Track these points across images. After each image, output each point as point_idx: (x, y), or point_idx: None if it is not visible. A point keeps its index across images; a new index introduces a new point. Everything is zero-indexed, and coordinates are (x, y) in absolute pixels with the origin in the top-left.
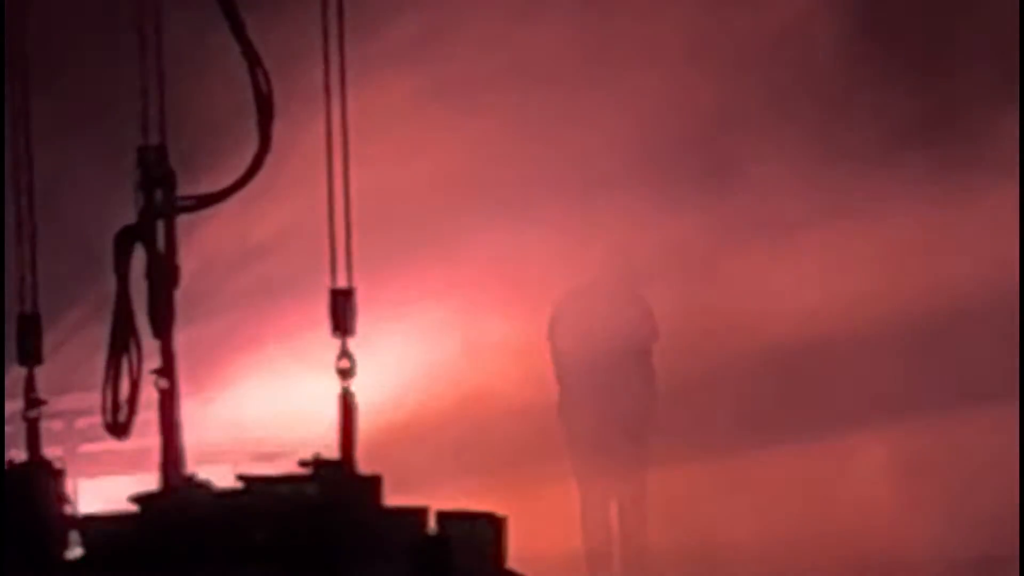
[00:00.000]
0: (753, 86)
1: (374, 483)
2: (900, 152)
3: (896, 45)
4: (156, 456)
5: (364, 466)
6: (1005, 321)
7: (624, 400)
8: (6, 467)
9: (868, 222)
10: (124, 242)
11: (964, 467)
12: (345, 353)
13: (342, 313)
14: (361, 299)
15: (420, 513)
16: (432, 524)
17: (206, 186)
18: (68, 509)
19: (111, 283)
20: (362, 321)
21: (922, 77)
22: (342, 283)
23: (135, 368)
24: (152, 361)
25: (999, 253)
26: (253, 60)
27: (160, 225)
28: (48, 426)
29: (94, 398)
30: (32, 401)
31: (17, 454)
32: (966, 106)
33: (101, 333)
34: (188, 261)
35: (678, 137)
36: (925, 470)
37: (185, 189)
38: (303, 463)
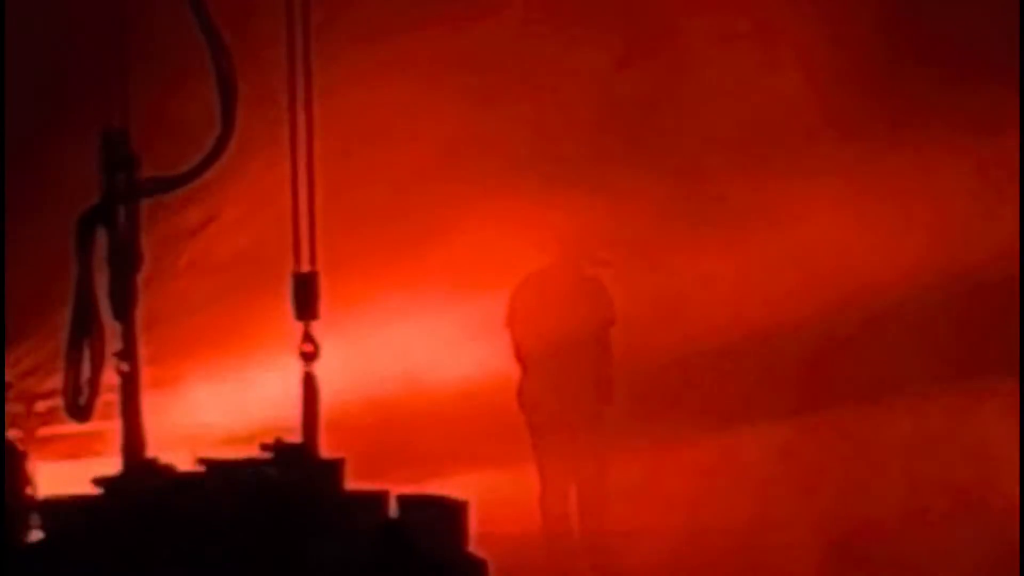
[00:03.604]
0: (719, 72)
1: (335, 467)
2: (848, 143)
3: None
4: (115, 439)
5: (329, 450)
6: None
7: (582, 383)
8: None
9: (823, 210)
10: (86, 225)
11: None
12: (308, 337)
13: (305, 297)
14: (326, 285)
15: (380, 497)
16: (393, 508)
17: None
18: (30, 492)
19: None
20: (328, 307)
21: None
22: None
23: (97, 351)
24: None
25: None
26: (216, 43)
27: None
28: (7, 409)
29: (54, 381)
30: None
31: None
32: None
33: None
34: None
35: (636, 120)
36: (890, 457)
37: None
38: (264, 447)
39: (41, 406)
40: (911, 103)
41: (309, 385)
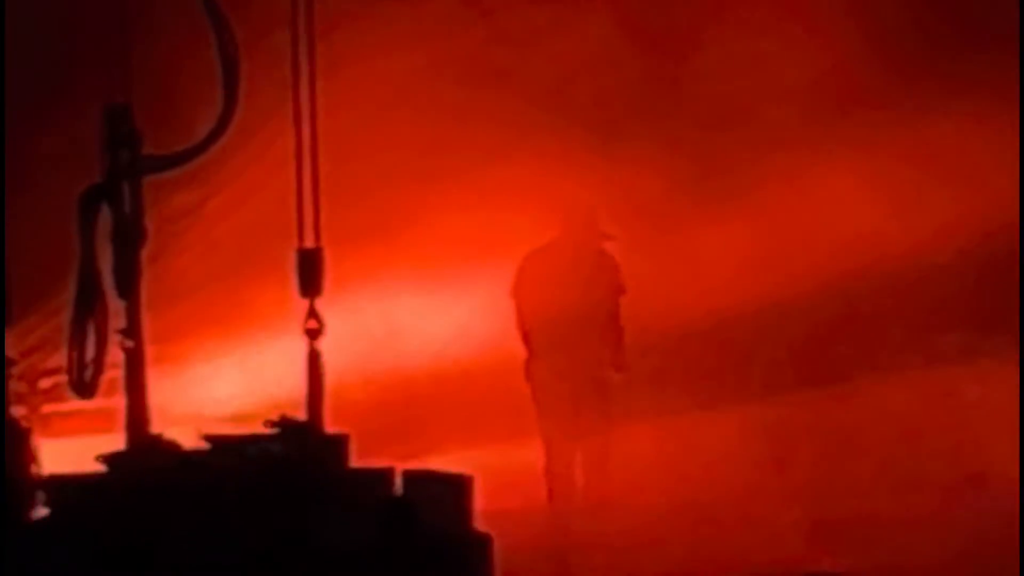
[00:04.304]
0: (734, 43)
1: (340, 443)
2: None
3: None
4: (120, 416)
5: (330, 426)
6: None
7: (589, 357)
8: None
9: (836, 180)
10: (89, 202)
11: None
12: (313, 313)
13: (309, 273)
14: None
15: (386, 473)
16: (398, 484)
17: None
18: (35, 469)
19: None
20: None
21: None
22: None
23: (101, 328)
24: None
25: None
26: (219, 20)
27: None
28: (11, 386)
29: (58, 358)
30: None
31: None
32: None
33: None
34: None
35: (651, 91)
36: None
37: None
38: (269, 423)
39: (45, 383)
40: (930, 74)
41: (314, 362)
